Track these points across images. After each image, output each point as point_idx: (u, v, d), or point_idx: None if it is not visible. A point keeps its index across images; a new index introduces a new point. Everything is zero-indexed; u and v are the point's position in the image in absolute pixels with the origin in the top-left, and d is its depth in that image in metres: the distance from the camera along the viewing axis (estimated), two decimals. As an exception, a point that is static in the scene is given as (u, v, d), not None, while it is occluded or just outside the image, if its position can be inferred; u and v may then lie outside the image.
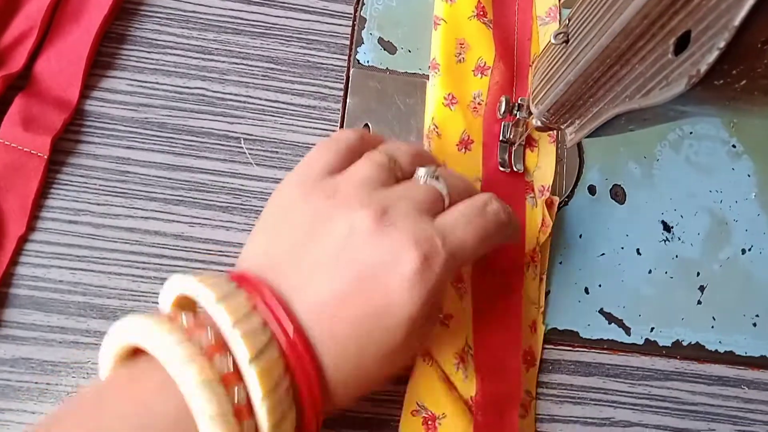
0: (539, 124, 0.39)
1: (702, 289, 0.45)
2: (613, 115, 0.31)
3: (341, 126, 0.44)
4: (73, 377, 0.39)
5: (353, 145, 0.36)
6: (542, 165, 0.45)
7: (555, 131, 0.44)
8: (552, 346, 0.43)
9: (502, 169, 0.44)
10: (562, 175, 0.46)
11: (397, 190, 0.33)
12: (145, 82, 0.43)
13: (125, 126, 0.43)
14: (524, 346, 0.41)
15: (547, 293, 0.43)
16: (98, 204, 0.41)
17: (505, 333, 0.41)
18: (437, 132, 0.43)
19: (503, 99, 0.43)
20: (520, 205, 0.44)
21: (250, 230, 0.40)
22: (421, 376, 0.39)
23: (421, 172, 0.35)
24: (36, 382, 0.38)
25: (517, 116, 0.43)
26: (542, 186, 0.44)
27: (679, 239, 0.46)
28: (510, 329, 0.41)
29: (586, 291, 0.44)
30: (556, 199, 0.44)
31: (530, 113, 0.40)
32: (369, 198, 0.32)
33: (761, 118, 0.41)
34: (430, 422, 0.39)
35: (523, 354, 0.41)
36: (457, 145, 0.44)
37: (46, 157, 0.41)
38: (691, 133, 0.48)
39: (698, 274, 0.45)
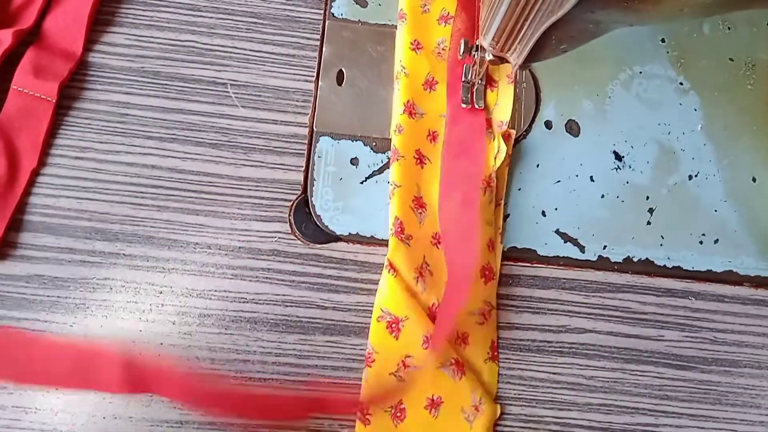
0: (490, 57, 0.43)
1: (651, 211, 0.49)
2: (543, 31, 0.35)
3: (317, 71, 0.49)
4: (81, 291, 0.44)
5: None
6: (501, 103, 0.49)
7: (512, 71, 0.48)
8: (512, 263, 0.47)
9: (464, 105, 0.48)
10: (521, 112, 0.50)
11: None
12: (141, 36, 0.48)
13: (124, 75, 0.48)
14: (482, 262, 0.46)
15: (507, 216, 0.48)
16: (101, 142, 0.46)
17: (463, 253, 0.45)
18: (405, 72, 0.48)
19: (463, 41, 0.48)
20: (481, 137, 0.48)
21: (235, 164, 0.45)
22: (386, 286, 0.44)
23: None
24: (48, 296, 0.43)
25: (475, 57, 0.48)
26: (501, 121, 0.48)
27: (630, 167, 0.50)
28: (468, 250, 0.45)
29: (543, 214, 0.48)
30: (513, 132, 0.48)
31: (483, 49, 0.44)
32: None
33: (661, 21, 0.45)
34: (393, 325, 0.43)
35: (481, 269, 0.45)
36: (422, 84, 0.48)
37: (54, 101, 0.46)
38: (640, 72, 0.52)
39: (647, 198, 0.49)
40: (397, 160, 0.45)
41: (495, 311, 0.46)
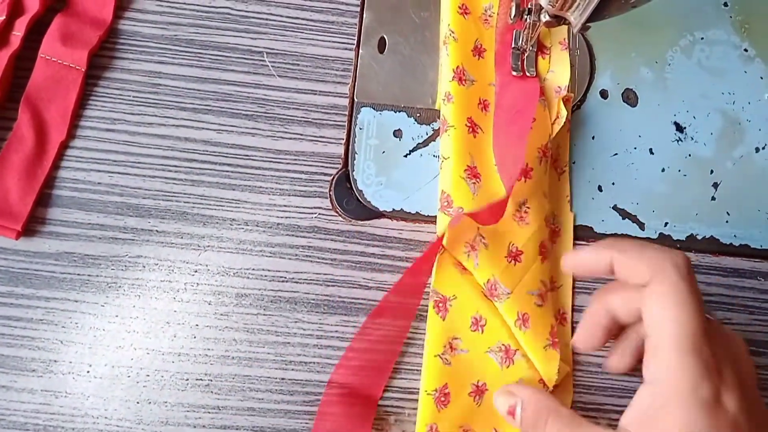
0: (547, 18, 0.40)
1: (716, 186, 0.46)
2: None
3: (358, 39, 0.46)
4: (112, 269, 0.41)
5: None
6: (556, 69, 0.46)
7: (568, 35, 0.45)
8: (567, 241, 0.44)
9: (514, 73, 0.45)
10: (574, 81, 0.47)
11: None
12: (174, 2, 0.46)
13: (156, 43, 0.45)
14: (540, 239, 0.43)
15: (562, 190, 0.45)
16: (133, 114, 0.44)
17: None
18: (454, 36, 0.45)
19: (514, 3, 0.44)
20: (533, 106, 0.45)
21: (273, 136, 0.43)
22: (436, 264, 0.41)
23: None
24: (78, 274, 0.41)
25: (527, 20, 0.45)
26: (558, 87, 0.45)
27: (692, 139, 0.46)
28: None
29: (600, 189, 0.45)
30: (571, 96, 0.45)
31: (540, 8, 0.41)
32: None
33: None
34: (440, 305, 0.41)
35: (539, 246, 0.43)
36: (471, 50, 0.45)
37: (83, 70, 0.43)
38: (702, 38, 0.48)
39: (711, 171, 0.46)
40: (447, 131, 0.43)
41: (550, 293, 0.43)
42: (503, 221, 0.41)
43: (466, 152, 0.42)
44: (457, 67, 0.44)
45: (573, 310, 0.43)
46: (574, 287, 0.43)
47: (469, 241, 0.41)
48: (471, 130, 0.43)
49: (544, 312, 0.41)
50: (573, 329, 0.42)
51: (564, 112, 0.43)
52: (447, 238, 0.41)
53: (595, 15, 0.36)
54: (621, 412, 0.39)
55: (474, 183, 0.42)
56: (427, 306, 0.41)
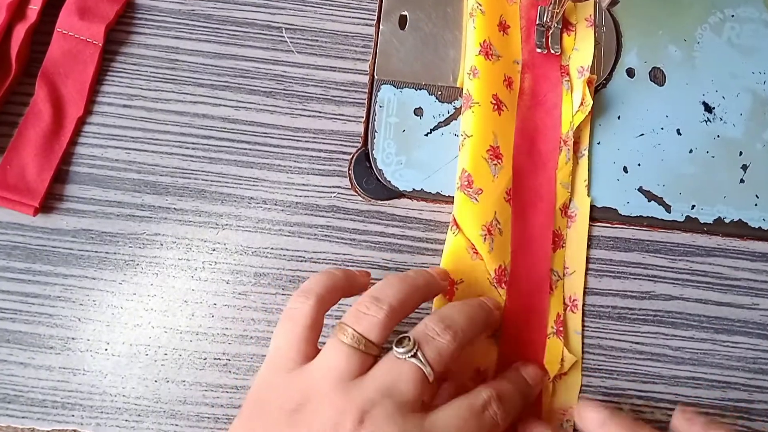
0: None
1: (745, 168, 0.45)
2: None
3: (378, 15, 0.45)
4: (130, 247, 0.41)
5: (324, 300, 0.33)
6: (581, 47, 0.45)
7: (595, 11, 0.44)
8: (591, 223, 0.43)
9: (539, 50, 0.44)
10: (600, 59, 0.46)
11: (376, 380, 0.30)
12: (191, -24, 0.45)
13: (173, 17, 0.44)
14: (553, 227, 0.42)
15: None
16: (150, 90, 0.43)
17: (535, 214, 0.42)
18: (481, 9, 0.43)
19: (539, -23, 0.43)
20: (557, 86, 0.44)
21: (291, 114, 0.42)
22: (447, 245, 0.40)
23: (400, 351, 0.31)
24: (96, 251, 0.41)
25: (553, -5, 0.43)
26: (581, 67, 0.44)
27: (721, 119, 0.45)
28: (541, 212, 0.42)
29: (625, 170, 0.44)
30: (594, 78, 0.44)
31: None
32: (344, 399, 0.30)
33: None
34: (448, 288, 0.40)
35: (552, 235, 0.42)
36: (498, 25, 0.44)
37: (100, 44, 0.43)
38: (732, 15, 0.47)
39: (741, 153, 0.45)
40: (471, 107, 0.41)
41: (561, 282, 0.42)
42: (515, 208, 0.41)
43: (489, 131, 0.41)
44: (484, 41, 0.43)
45: (585, 294, 0.42)
46: (587, 272, 0.42)
47: (486, 224, 0.40)
48: (496, 107, 0.42)
49: (551, 300, 0.40)
50: (584, 315, 0.42)
51: (589, 100, 0.42)
52: (461, 220, 0.40)
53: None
54: (644, 398, 0.39)
55: (495, 165, 0.41)
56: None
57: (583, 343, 0.41)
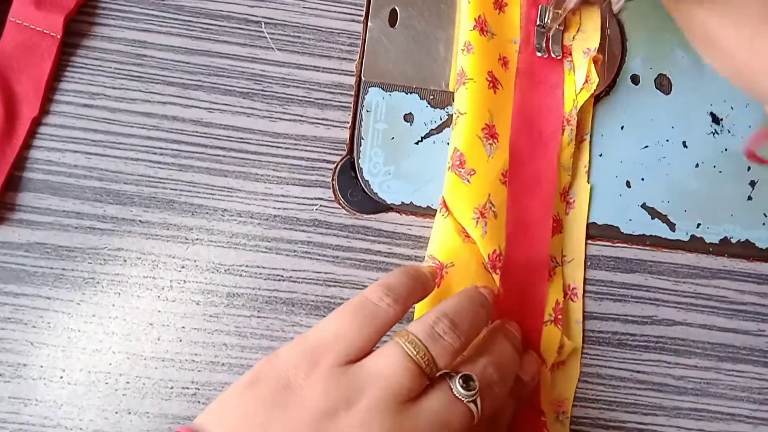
0: (581, -7, 0.36)
1: (753, 184, 0.42)
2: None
3: (366, 10, 0.42)
4: (89, 263, 0.38)
5: (407, 309, 0.31)
6: (586, 29, 0.42)
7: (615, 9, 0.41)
8: (591, 242, 0.41)
9: (539, 54, 0.41)
10: (604, 65, 0.43)
11: (430, 414, 0.28)
12: (161, -38, 0.41)
13: (141, 8, 0.41)
14: (552, 212, 0.39)
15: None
16: (114, 88, 0.40)
17: (534, 198, 0.39)
18: None
19: (542, -24, 0.40)
20: (555, 90, 0.41)
21: (270, 117, 0.39)
22: (435, 227, 0.38)
23: (465, 393, 0.29)
24: (51, 267, 0.38)
25: (555, -5, 0.40)
26: (588, 49, 0.41)
27: (729, 132, 0.43)
28: (540, 196, 0.39)
29: (628, 185, 0.41)
30: (600, 57, 0.41)
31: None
32: (392, 423, 0.27)
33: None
34: (437, 272, 0.37)
35: (551, 220, 0.39)
36: (493, 3, 0.42)
37: (59, 36, 0.39)
38: (743, 20, 0.44)
39: (749, 168, 0.42)
40: (465, 83, 0.39)
41: (560, 268, 0.40)
42: (512, 191, 0.39)
43: (484, 108, 0.39)
44: (479, 16, 0.40)
45: (585, 283, 0.40)
46: (586, 261, 0.40)
47: (478, 207, 0.37)
48: (491, 84, 0.39)
49: (550, 287, 0.39)
50: (585, 304, 0.40)
51: (595, 77, 0.40)
52: (452, 202, 0.37)
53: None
54: (644, 431, 0.37)
55: (491, 144, 0.39)
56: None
57: (583, 341, 0.40)
